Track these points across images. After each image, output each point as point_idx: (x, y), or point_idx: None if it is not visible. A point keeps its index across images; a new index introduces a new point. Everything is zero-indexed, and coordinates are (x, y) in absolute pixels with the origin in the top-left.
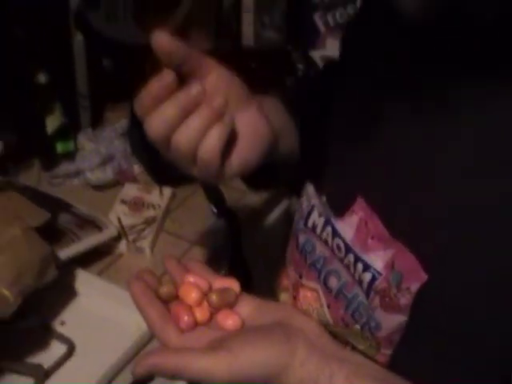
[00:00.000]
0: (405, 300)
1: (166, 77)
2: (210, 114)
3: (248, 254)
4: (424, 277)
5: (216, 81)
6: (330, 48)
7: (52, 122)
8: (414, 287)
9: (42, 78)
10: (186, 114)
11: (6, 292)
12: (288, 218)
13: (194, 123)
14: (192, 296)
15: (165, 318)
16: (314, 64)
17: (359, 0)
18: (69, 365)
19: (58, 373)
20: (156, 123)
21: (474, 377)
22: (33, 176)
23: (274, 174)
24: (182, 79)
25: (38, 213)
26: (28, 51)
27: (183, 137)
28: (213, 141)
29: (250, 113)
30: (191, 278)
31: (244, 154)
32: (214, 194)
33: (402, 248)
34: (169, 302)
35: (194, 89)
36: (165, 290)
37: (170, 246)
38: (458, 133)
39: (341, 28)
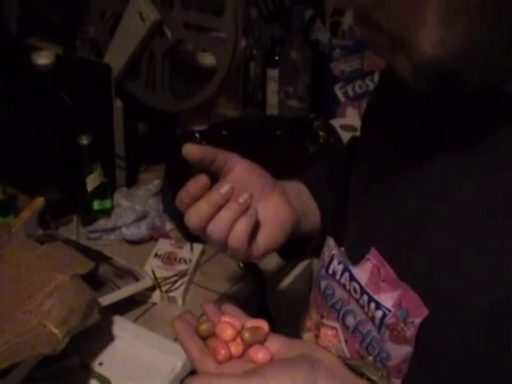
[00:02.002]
0: (410, 332)
1: (200, 180)
2: (238, 208)
3: (272, 304)
4: (426, 311)
5: (241, 174)
6: (350, 117)
7: (92, 181)
8: (418, 321)
9: (84, 140)
10: (217, 208)
11: (56, 331)
12: (308, 274)
13: (225, 217)
14: (228, 333)
15: (204, 352)
16: (334, 132)
17: (377, 73)
18: None
19: None
20: (193, 217)
21: None
22: (72, 231)
23: (302, 245)
24: (212, 174)
25: (84, 262)
26: (74, 116)
27: (215, 228)
28: (240, 231)
29: (273, 200)
30: (226, 318)
31: (268, 237)
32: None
33: (408, 288)
34: (207, 338)
35: (223, 188)
36: (204, 327)
37: (200, 297)
38: (456, 191)
39: (359, 98)
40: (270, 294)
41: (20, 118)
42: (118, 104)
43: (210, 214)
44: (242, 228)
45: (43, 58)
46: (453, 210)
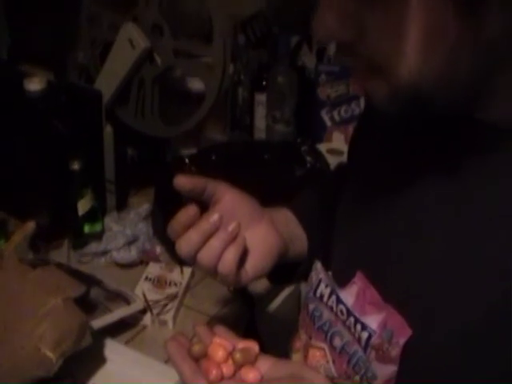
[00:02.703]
0: (395, 352)
1: (191, 210)
2: (226, 236)
3: (261, 326)
4: (409, 332)
5: (230, 203)
6: (336, 141)
7: (83, 206)
8: (402, 341)
9: (76, 166)
10: (207, 237)
11: (50, 354)
12: (296, 296)
13: (214, 245)
14: (219, 354)
15: (196, 373)
16: (321, 156)
17: (362, 98)
18: None
19: None
20: (184, 246)
21: None
22: (63, 254)
23: (291, 270)
24: (202, 203)
25: (76, 285)
26: (65, 141)
27: (205, 256)
28: (229, 258)
29: (261, 227)
30: (218, 340)
31: (256, 263)
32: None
33: (392, 310)
34: (199, 359)
35: (212, 217)
36: (196, 348)
37: (191, 319)
38: (438, 215)
39: (346, 123)
40: (258, 316)
41: (11, 143)
42: (108, 129)
43: (200, 243)
44: (230, 256)
45: (35, 84)
46: (434, 233)
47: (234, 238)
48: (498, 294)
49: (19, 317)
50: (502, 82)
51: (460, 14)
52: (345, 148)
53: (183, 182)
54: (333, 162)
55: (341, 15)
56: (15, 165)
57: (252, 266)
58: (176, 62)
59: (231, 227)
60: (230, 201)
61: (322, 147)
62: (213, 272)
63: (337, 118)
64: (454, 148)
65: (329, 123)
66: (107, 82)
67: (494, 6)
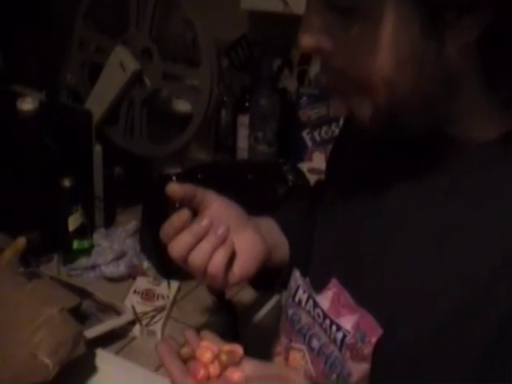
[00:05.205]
0: (367, 350)
1: (183, 214)
2: (216, 239)
3: (244, 337)
4: (380, 331)
5: (218, 209)
6: (317, 161)
7: (73, 222)
8: (374, 340)
9: (66, 183)
10: (198, 240)
11: (47, 361)
12: (278, 309)
13: (205, 247)
14: (206, 356)
15: (185, 373)
16: (302, 175)
17: (342, 120)
18: None
19: None
20: (176, 247)
21: None
22: (53, 269)
23: (273, 276)
24: (193, 208)
25: (70, 297)
26: (56, 159)
27: (196, 257)
28: (218, 259)
29: (247, 233)
30: (205, 343)
31: (243, 266)
32: (215, 288)
33: (364, 312)
34: (187, 361)
35: (203, 221)
36: (185, 350)
37: (178, 331)
38: (408, 223)
39: (326, 143)
40: (242, 328)
41: (3, 160)
42: (97, 148)
43: (192, 245)
44: (219, 257)
45: (28, 104)
46: (405, 240)
47: (223, 240)
48: (472, 291)
49: (16, 326)
50: (465, 99)
51: (425, 34)
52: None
53: (175, 189)
54: (313, 180)
55: (324, 22)
56: (7, 181)
57: (239, 268)
58: (164, 85)
59: (220, 230)
60: (218, 207)
61: (304, 166)
62: (202, 273)
63: (317, 138)
64: (429, 160)
65: (310, 143)
66: (97, 103)
67: (453, 29)
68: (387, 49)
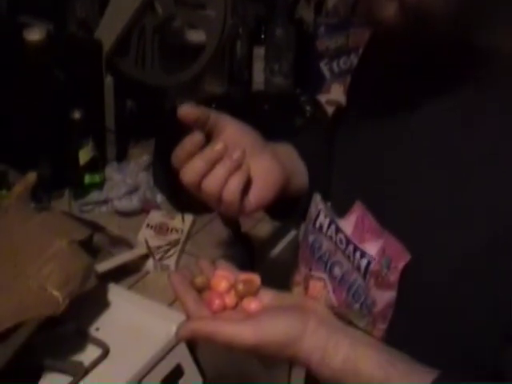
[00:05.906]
0: (393, 277)
1: (196, 136)
2: (231, 164)
3: (260, 273)
4: (408, 257)
5: (233, 133)
6: (335, 92)
7: (84, 155)
8: (400, 265)
9: (76, 115)
10: (212, 165)
11: (57, 293)
12: (295, 243)
13: (219, 172)
14: (222, 285)
15: (199, 303)
16: (320, 107)
17: (360, 49)
18: (103, 366)
19: (93, 372)
20: (189, 173)
21: (462, 349)
22: (64, 204)
23: (291, 205)
24: (207, 134)
25: (81, 229)
26: (65, 91)
27: (210, 183)
28: (234, 186)
29: (263, 158)
30: (220, 272)
31: (260, 193)
32: (230, 221)
33: (390, 237)
34: (202, 291)
35: (217, 145)
36: (199, 279)
37: (192, 265)
38: (434, 145)
39: (345, 74)
40: (258, 263)
41: (11, 93)
42: (108, 79)
43: (205, 170)
44: (235, 182)
45: (35, 35)
46: (430, 163)
47: (238, 166)
48: (501, 221)
49: (25, 258)
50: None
51: None
52: (343, 99)
53: (188, 111)
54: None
55: None
56: (16, 116)
57: (255, 195)
58: (177, 12)
59: (236, 155)
60: (233, 131)
61: (322, 98)
62: (217, 200)
63: (336, 69)
64: (453, 76)
65: (328, 75)
66: (108, 32)
67: None
68: None
